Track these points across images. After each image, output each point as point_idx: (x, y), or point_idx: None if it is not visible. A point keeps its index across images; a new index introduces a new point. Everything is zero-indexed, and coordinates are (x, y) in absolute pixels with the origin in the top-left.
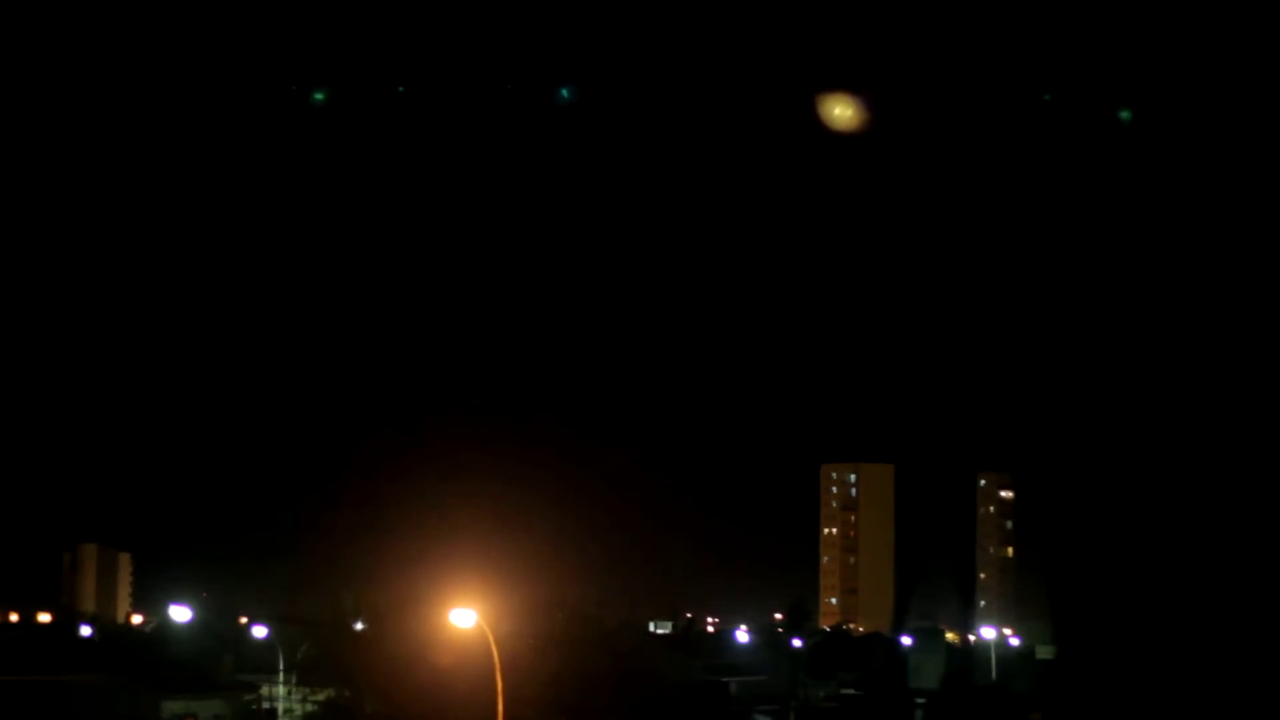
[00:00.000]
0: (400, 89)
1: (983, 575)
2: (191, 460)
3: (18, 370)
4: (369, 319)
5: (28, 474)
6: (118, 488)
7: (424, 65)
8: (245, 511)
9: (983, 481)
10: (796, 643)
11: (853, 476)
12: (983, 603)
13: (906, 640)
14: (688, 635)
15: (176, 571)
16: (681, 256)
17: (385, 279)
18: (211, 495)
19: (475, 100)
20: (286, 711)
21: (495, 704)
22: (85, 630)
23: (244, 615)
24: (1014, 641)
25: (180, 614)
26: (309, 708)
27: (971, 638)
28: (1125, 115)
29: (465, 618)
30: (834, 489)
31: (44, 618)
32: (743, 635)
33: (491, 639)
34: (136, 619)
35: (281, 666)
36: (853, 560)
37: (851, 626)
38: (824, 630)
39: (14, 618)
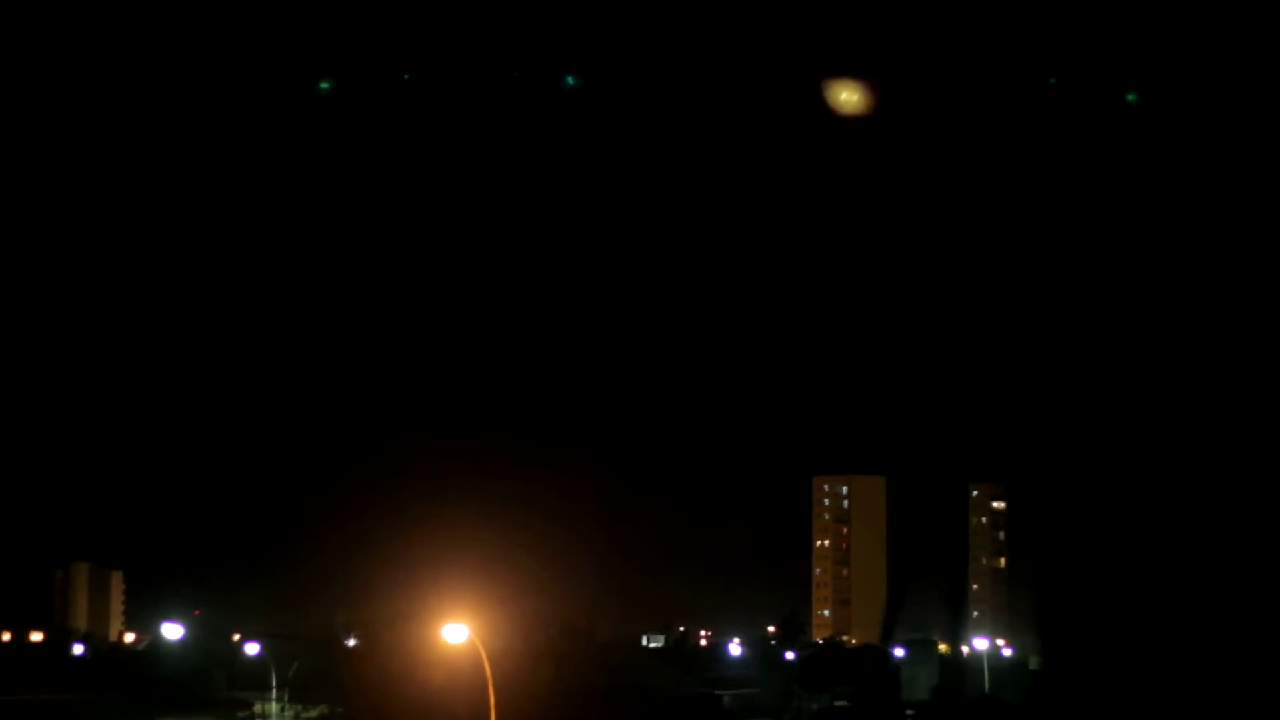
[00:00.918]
0: (392, 91)
1: (975, 586)
2: (183, 478)
3: (9, 388)
4: (358, 336)
5: (19, 492)
6: (110, 506)
7: (410, 64)
8: (237, 529)
9: (975, 492)
10: (790, 655)
11: (845, 489)
12: (975, 614)
13: (899, 652)
14: (680, 649)
15: (169, 589)
16: (673, 269)
17: (376, 297)
18: (204, 513)
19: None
20: None
21: (488, 719)
22: (78, 649)
23: (236, 632)
24: (1007, 652)
25: (173, 632)
26: None
27: (965, 649)
28: (1131, 98)
29: (457, 633)
30: (826, 501)
31: (36, 636)
32: (736, 648)
33: (484, 654)
34: (129, 637)
35: (274, 683)
36: (845, 572)
37: (845, 638)
38: (817, 642)
39: (6, 637)
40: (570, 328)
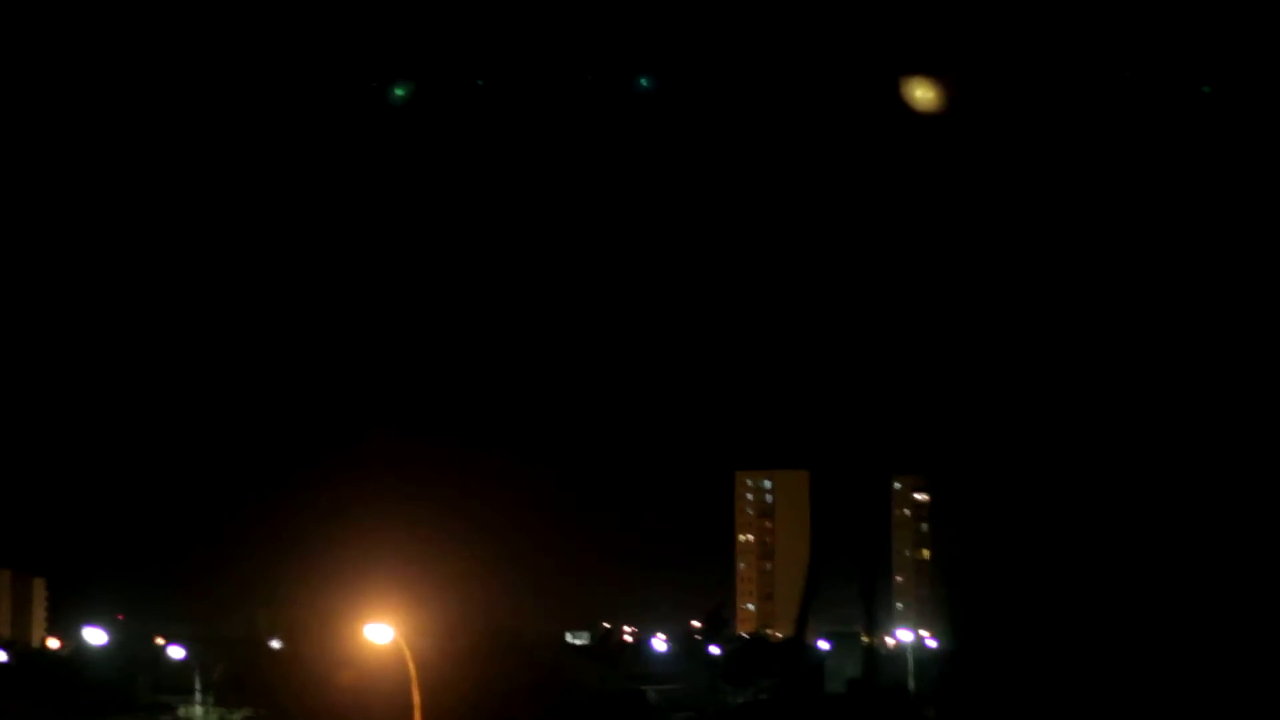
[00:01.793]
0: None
1: (899, 578)
2: (105, 483)
3: None
4: (277, 342)
5: None
6: (30, 512)
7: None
8: (159, 533)
9: (898, 485)
10: (714, 650)
11: (767, 483)
12: (900, 605)
13: (824, 645)
14: (605, 645)
15: (91, 594)
16: (585, 263)
17: (297, 305)
18: (126, 518)
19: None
20: None
21: (413, 718)
22: (1, 655)
23: (160, 636)
24: (931, 643)
25: (96, 637)
26: None
27: (890, 640)
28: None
29: (381, 633)
30: (749, 496)
31: None
32: (660, 644)
33: (408, 653)
34: (52, 643)
35: (199, 686)
36: (769, 567)
37: (769, 633)
38: (742, 637)
39: None
40: (483, 324)
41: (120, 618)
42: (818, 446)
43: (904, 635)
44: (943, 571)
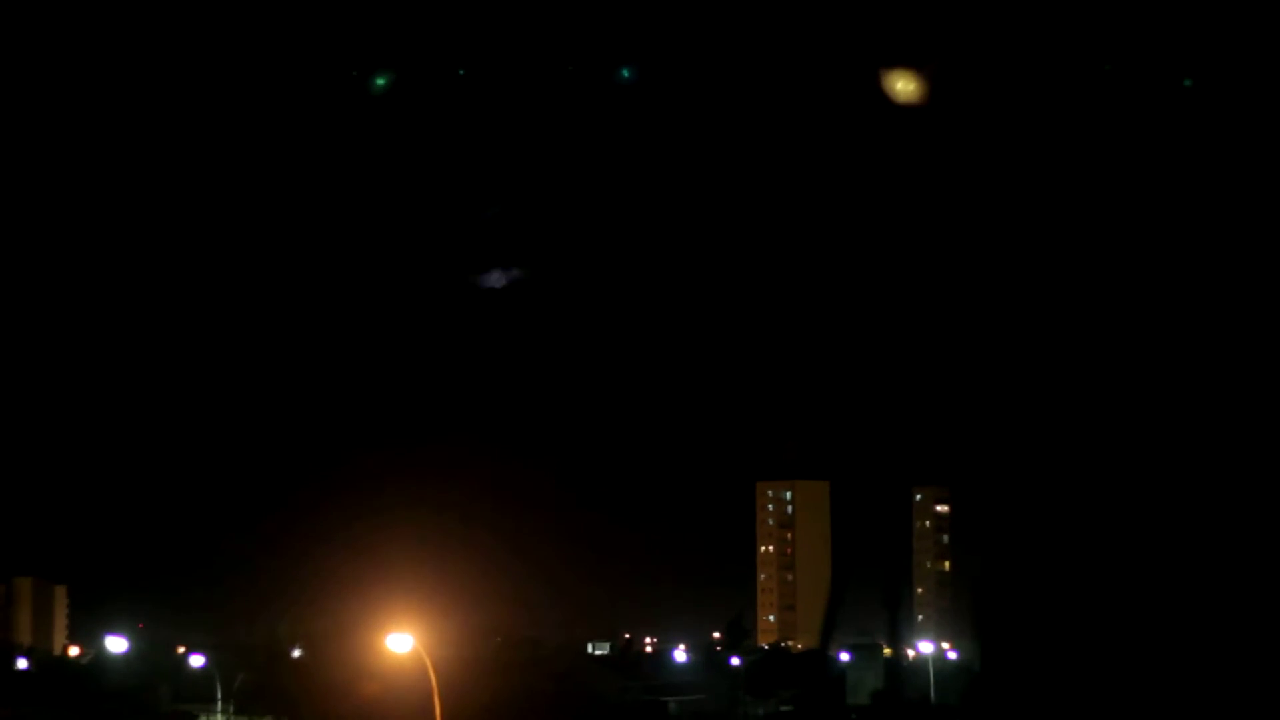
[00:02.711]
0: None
1: (920, 590)
2: (126, 491)
3: None
4: (296, 353)
5: None
6: (52, 520)
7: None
8: (181, 542)
9: (919, 496)
10: (735, 661)
11: (788, 494)
12: (921, 617)
13: (845, 656)
14: (626, 656)
15: (113, 603)
16: (613, 275)
17: (311, 310)
18: (147, 526)
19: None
20: None
21: None
22: (22, 663)
23: (181, 645)
24: (952, 655)
25: (117, 645)
26: None
27: (910, 652)
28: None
29: (402, 643)
30: (770, 506)
31: None
32: (681, 655)
33: (429, 663)
34: (74, 651)
35: (219, 695)
36: (790, 577)
37: (790, 644)
38: (762, 648)
39: None
40: (507, 336)
41: (141, 626)
42: (838, 457)
43: (925, 647)
44: (963, 583)
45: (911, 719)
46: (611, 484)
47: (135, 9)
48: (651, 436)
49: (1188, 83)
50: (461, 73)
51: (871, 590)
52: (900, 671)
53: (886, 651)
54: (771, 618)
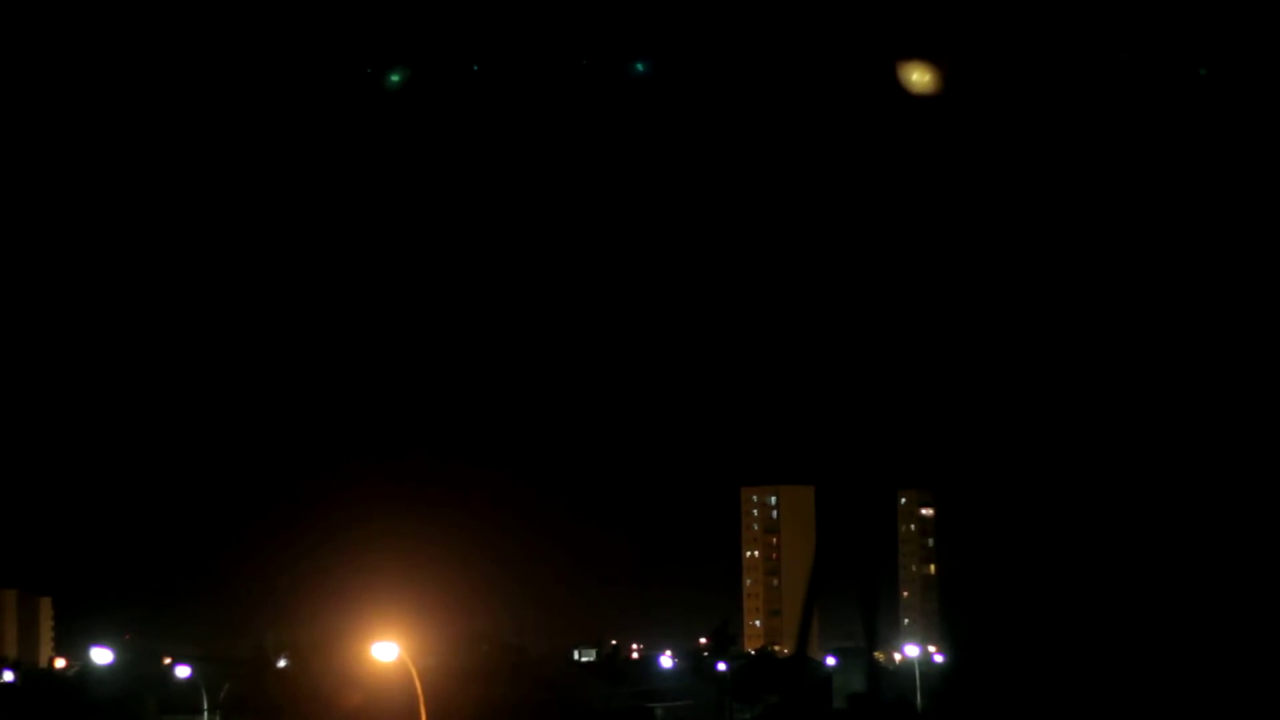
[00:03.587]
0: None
1: (905, 593)
2: (112, 503)
3: None
4: (282, 362)
5: None
6: (36, 532)
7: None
8: (166, 553)
9: (903, 499)
10: (721, 666)
11: (773, 499)
12: (906, 621)
13: (830, 660)
14: (612, 662)
15: (98, 614)
16: (588, 282)
17: (306, 323)
18: (132, 538)
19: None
20: None
21: None
22: (7, 675)
23: (167, 656)
24: (938, 658)
25: (102, 656)
26: None
27: (896, 655)
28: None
29: (388, 651)
30: (755, 511)
31: None
32: (667, 660)
33: (414, 672)
34: (59, 663)
35: (205, 706)
36: (776, 582)
37: (776, 649)
38: (748, 653)
39: None
40: (490, 347)
41: (127, 637)
42: (823, 461)
43: (910, 650)
44: (946, 586)
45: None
46: (596, 491)
47: (135, 9)
48: (635, 442)
49: (1201, 72)
50: (473, 69)
51: (855, 594)
52: (879, 674)
53: (878, 654)
54: (757, 623)
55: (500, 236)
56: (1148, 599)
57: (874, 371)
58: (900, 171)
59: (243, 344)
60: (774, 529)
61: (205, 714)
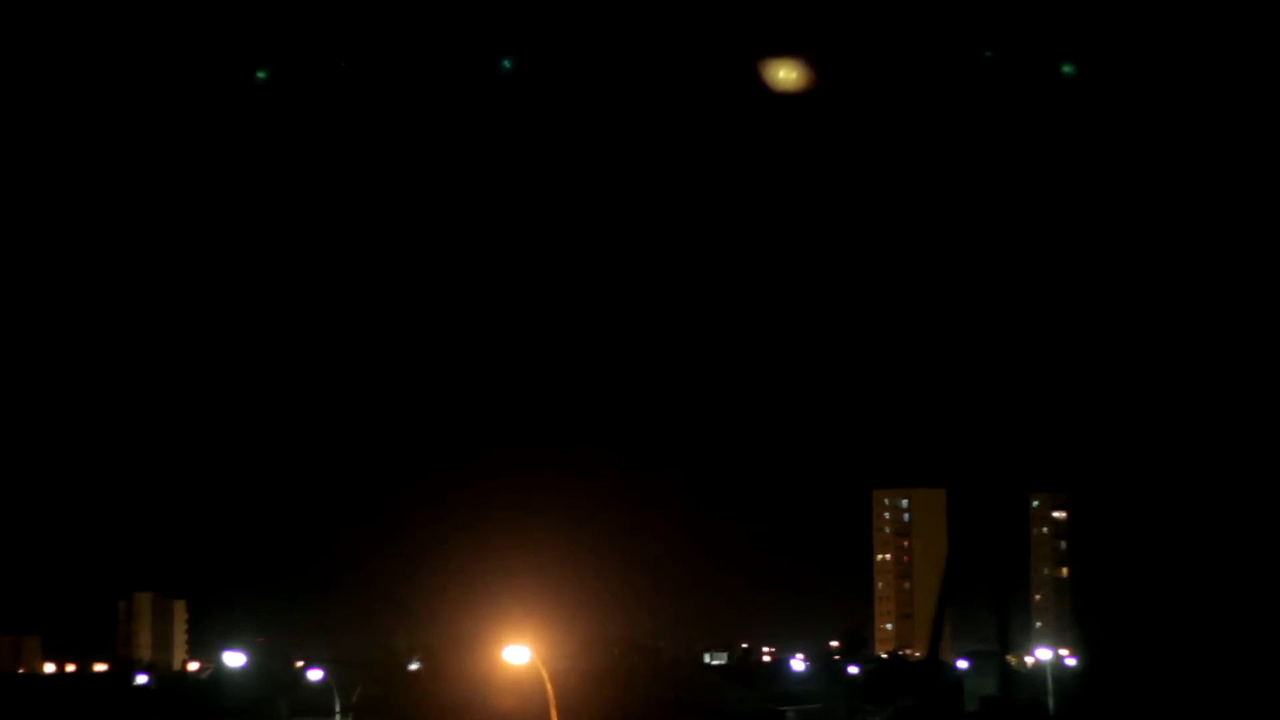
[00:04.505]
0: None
1: (1038, 596)
2: (243, 505)
3: (70, 423)
4: (415, 358)
5: (81, 524)
6: (171, 535)
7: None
8: (299, 555)
9: (1036, 503)
10: (853, 670)
11: (905, 502)
12: (1039, 624)
13: (963, 664)
14: (744, 665)
15: (231, 617)
16: (729, 288)
17: (439, 317)
18: (264, 540)
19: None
20: None
21: None
22: (142, 678)
23: (299, 658)
24: (1071, 662)
25: (235, 659)
26: None
27: (1029, 659)
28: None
29: (520, 655)
30: (886, 514)
31: (100, 667)
32: (799, 664)
33: (545, 675)
34: (193, 666)
35: (338, 709)
36: (907, 585)
37: (908, 652)
38: (880, 657)
39: (71, 668)
40: (632, 350)
41: (260, 640)
42: (955, 464)
43: (1043, 653)
44: (1079, 589)
45: None
46: (728, 493)
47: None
48: (769, 445)
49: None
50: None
51: (989, 598)
52: (1012, 677)
53: (1011, 658)
54: (889, 626)
55: (648, 252)
56: (1270, 600)
57: (1006, 374)
58: (1019, 172)
59: (380, 344)
60: (905, 532)
61: (337, 716)
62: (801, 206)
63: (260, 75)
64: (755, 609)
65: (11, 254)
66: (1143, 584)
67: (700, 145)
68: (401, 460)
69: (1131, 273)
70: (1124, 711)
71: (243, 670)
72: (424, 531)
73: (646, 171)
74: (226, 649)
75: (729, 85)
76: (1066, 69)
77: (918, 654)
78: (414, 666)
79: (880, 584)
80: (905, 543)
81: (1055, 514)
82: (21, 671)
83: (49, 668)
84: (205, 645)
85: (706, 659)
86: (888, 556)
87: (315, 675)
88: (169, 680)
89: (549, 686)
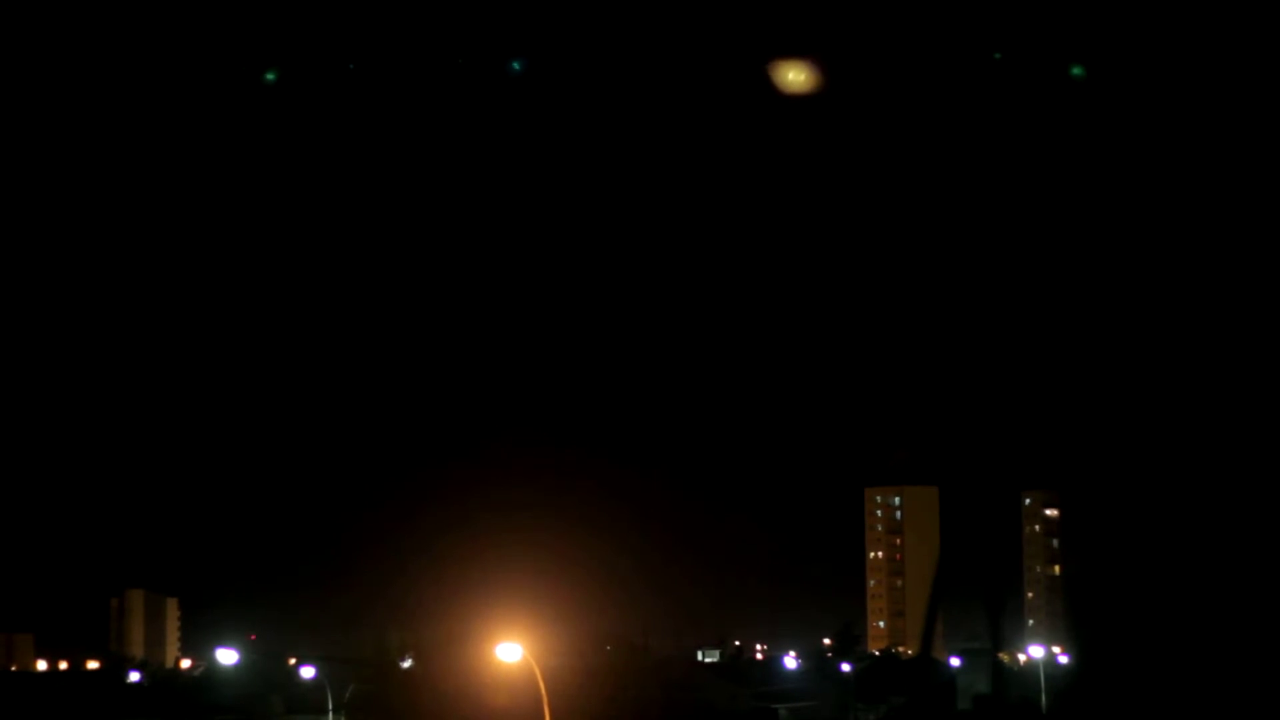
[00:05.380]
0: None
1: (1030, 594)
2: (235, 503)
3: (61, 419)
4: (408, 355)
5: (73, 521)
6: (163, 533)
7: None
8: (290, 553)
9: (1028, 501)
10: (845, 667)
11: (897, 499)
12: (1030, 622)
13: (955, 661)
14: (736, 663)
15: (224, 615)
16: (721, 284)
17: (426, 312)
18: (256, 537)
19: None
20: None
21: None
22: (134, 676)
23: (291, 656)
24: (1063, 659)
25: (228, 657)
26: None
27: (1022, 657)
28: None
29: (512, 652)
30: (879, 512)
31: (92, 664)
32: (791, 661)
33: (538, 673)
34: (185, 663)
35: (330, 706)
36: (899, 583)
37: (900, 650)
38: (873, 654)
39: (63, 665)
40: (622, 346)
41: (252, 637)
42: (947, 462)
43: (1035, 651)
44: (1071, 587)
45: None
46: (719, 492)
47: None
48: (761, 443)
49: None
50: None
51: (981, 596)
52: (1004, 675)
53: (1004, 656)
54: (881, 624)
55: (620, 234)
56: (1272, 597)
57: (998, 373)
58: (1011, 174)
59: (372, 344)
60: (898, 530)
61: (330, 714)
62: (795, 206)
63: (269, 76)
64: (748, 606)
65: (7, 252)
66: (1134, 581)
67: (697, 145)
68: (394, 458)
69: (1123, 273)
70: (1116, 708)
71: (235, 668)
72: (417, 529)
73: (641, 172)
74: (219, 646)
75: (725, 84)
76: (1047, 74)
77: (910, 652)
78: (407, 664)
79: (872, 582)
80: (898, 540)
81: (1047, 512)
82: (14, 669)
83: (41, 665)
84: (198, 643)
85: (699, 656)
86: (880, 554)
87: (308, 673)
88: (161, 678)
89: (541, 684)
